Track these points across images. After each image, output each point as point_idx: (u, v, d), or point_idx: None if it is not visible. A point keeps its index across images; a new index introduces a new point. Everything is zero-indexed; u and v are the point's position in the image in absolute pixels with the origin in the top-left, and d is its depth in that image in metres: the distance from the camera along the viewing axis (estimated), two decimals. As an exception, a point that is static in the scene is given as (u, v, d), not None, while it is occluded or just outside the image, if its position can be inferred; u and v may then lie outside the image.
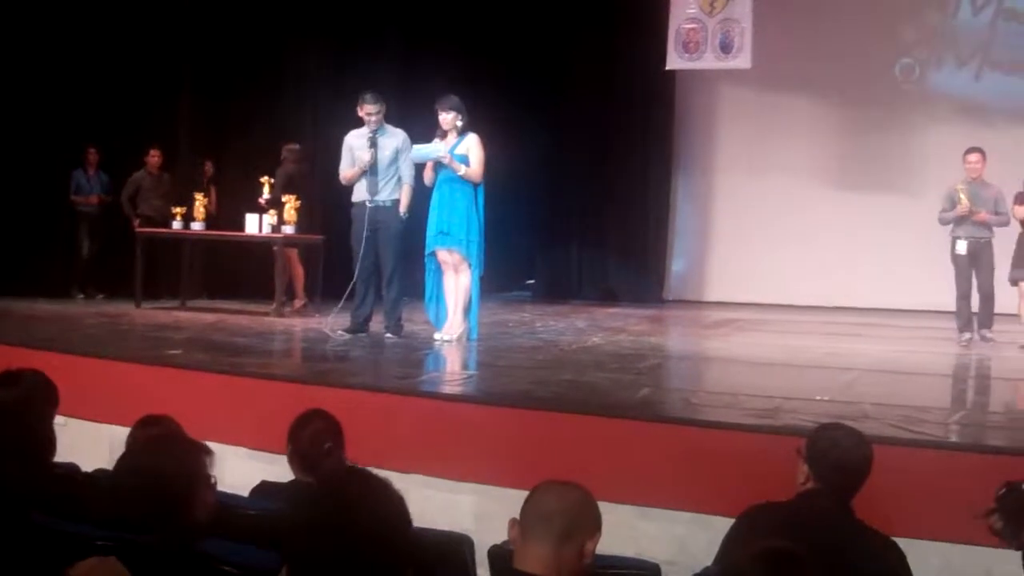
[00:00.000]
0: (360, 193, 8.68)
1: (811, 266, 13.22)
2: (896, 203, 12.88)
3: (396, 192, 8.63)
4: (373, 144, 8.59)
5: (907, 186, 12.90)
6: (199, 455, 2.76)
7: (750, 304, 13.09)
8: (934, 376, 7.88)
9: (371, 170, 8.58)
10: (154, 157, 11.93)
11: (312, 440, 3.89)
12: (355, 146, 8.72)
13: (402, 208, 8.62)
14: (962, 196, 9.29)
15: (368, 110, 8.63)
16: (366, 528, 2.04)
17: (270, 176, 10.92)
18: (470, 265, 8.35)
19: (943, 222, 9.56)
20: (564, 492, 2.65)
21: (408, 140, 8.63)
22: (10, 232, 11.23)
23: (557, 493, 2.65)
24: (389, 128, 8.73)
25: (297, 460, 3.95)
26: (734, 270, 13.88)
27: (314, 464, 3.89)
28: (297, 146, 11.42)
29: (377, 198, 8.60)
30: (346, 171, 8.77)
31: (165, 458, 2.70)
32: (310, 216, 10.90)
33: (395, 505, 2.11)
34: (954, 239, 9.47)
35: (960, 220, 9.38)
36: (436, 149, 8.34)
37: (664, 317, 12.28)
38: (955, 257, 9.47)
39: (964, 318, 9.43)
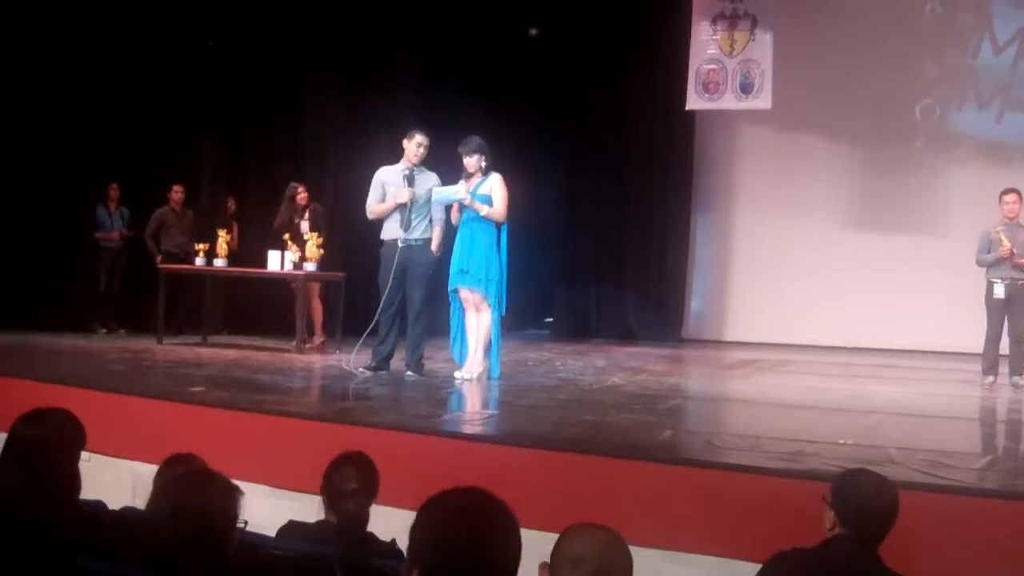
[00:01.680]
0: (392, 231, 8.66)
1: (831, 306, 13.18)
2: (917, 243, 12.87)
3: (428, 231, 8.64)
4: (411, 182, 8.61)
5: (928, 226, 12.89)
6: (234, 494, 2.76)
7: (770, 344, 13.06)
8: (959, 419, 7.81)
9: (407, 208, 8.59)
10: (177, 193, 12.01)
11: (340, 480, 3.90)
12: (388, 181, 8.71)
13: (434, 246, 8.64)
14: (1003, 238, 9.19)
15: (419, 141, 8.64)
16: (496, 551, 2.20)
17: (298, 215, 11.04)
18: (490, 304, 8.37)
19: (981, 264, 9.39)
20: (595, 536, 2.62)
21: (439, 182, 8.67)
22: (33, 267, 11.31)
23: (588, 536, 2.61)
24: (424, 168, 8.75)
25: (324, 498, 3.95)
26: (753, 310, 13.85)
27: (336, 504, 3.89)
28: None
29: (410, 237, 8.61)
30: (376, 206, 8.74)
31: (206, 496, 2.69)
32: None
33: (516, 534, 2.26)
34: (991, 282, 9.31)
35: (998, 262, 9.26)
36: (456, 191, 8.39)
37: (683, 357, 12.25)
38: (991, 300, 9.32)
39: (990, 361, 9.34)
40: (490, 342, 8.48)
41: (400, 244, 8.59)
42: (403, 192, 8.58)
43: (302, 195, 11.19)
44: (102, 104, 11.71)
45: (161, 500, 2.81)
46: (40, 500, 3.17)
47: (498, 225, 8.40)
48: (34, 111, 11.29)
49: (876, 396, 8.60)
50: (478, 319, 8.39)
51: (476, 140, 8.49)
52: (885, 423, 7.07)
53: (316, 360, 9.96)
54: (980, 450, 6.66)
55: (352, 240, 11.35)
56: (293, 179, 11.47)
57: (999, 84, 13.03)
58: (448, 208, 8.54)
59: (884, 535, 3.50)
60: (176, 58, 12.05)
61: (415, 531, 2.25)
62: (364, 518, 3.87)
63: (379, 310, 8.69)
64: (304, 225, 10.95)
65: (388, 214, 8.67)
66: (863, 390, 9.00)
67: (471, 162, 8.39)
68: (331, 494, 3.91)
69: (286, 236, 10.81)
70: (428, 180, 8.66)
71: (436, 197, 8.53)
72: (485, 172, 8.41)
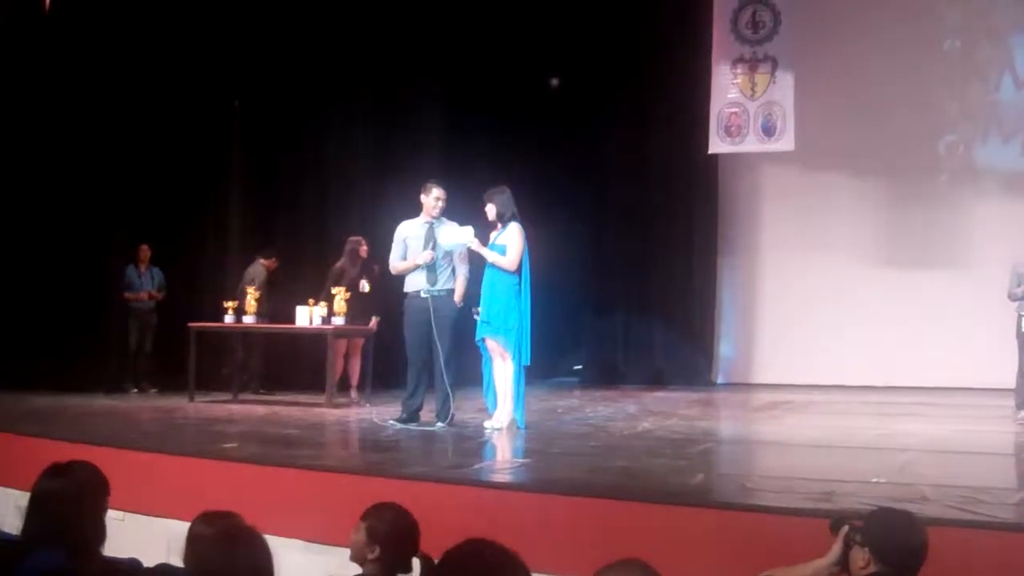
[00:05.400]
0: (415, 283, 8.73)
1: (860, 345, 13.13)
2: (945, 279, 12.83)
3: (451, 281, 8.70)
4: (430, 239, 8.67)
5: (955, 262, 12.84)
6: (266, 549, 2.78)
7: (800, 385, 12.99)
8: (992, 455, 7.75)
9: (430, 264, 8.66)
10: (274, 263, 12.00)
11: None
12: (410, 236, 8.79)
13: (457, 297, 8.69)
14: None
15: (437, 195, 8.72)
16: None
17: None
18: (510, 353, 8.39)
19: (1012, 298, 9.35)
20: (632, 570, 2.56)
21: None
22: (64, 329, 11.43)
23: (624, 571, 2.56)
24: (444, 219, 8.81)
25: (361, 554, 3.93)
26: (783, 351, 13.80)
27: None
28: None
29: (433, 288, 8.66)
30: (398, 264, 8.84)
31: (238, 552, 2.71)
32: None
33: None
34: (1020, 315, 9.25)
35: None
36: (464, 234, 8.46)
37: (714, 400, 12.21)
38: (1021, 334, 9.25)
39: (1023, 395, 9.28)
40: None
41: (423, 295, 8.65)
42: (423, 255, 8.66)
43: (364, 248, 11.21)
44: (130, 165, 11.91)
45: (195, 557, 2.84)
46: (67, 552, 3.21)
47: (516, 274, 8.42)
48: (63, 174, 11.49)
49: (907, 434, 8.54)
50: (504, 368, 8.40)
51: (494, 189, 8.55)
52: (918, 461, 7.02)
53: (348, 414, 9.99)
54: (1015, 485, 6.60)
55: (381, 293, 11.42)
56: (322, 233, 11.55)
57: (1022, 118, 13.02)
58: (473, 257, 8.59)
59: (917, 570, 3.49)
60: (203, 117, 12.23)
61: None
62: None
63: (408, 363, 8.73)
64: (363, 284, 10.94)
65: (412, 271, 8.73)
66: (894, 428, 8.95)
67: (487, 210, 8.47)
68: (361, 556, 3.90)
69: (312, 300, 10.79)
70: (448, 230, 8.73)
71: (444, 242, 8.60)
72: (505, 221, 8.46)
